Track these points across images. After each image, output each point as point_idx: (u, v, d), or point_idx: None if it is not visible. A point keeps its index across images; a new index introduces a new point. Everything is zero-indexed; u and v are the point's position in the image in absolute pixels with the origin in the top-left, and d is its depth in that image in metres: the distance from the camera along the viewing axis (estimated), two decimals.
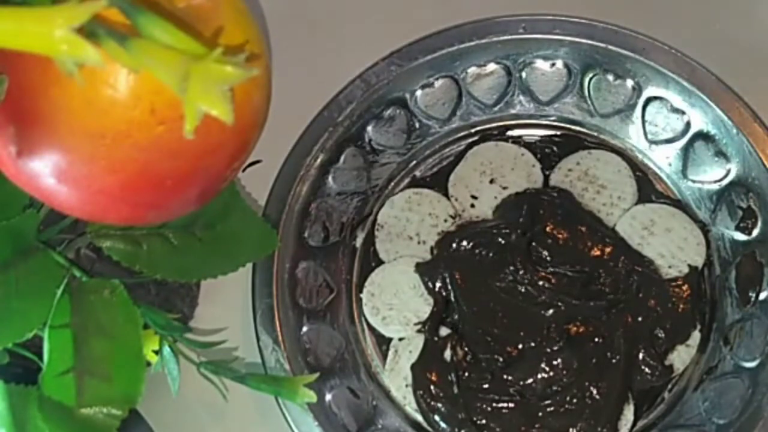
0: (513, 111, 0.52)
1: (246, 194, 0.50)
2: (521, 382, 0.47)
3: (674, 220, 0.49)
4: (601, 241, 0.48)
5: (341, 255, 0.50)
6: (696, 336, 0.48)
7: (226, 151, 0.30)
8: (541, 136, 0.52)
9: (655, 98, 0.50)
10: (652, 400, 0.48)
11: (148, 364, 0.39)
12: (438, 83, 0.51)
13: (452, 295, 0.49)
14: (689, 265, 0.49)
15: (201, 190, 0.31)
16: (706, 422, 0.46)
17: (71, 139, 0.27)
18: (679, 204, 0.50)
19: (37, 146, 0.28)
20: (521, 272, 0.48)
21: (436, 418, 0.47)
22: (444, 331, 0.49)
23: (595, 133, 0.52)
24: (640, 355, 0.47)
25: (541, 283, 0.47)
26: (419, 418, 0.48)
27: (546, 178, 0.51)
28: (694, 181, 0.50)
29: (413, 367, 0.48)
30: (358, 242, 0.51)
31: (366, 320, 0.49)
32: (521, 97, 0.52)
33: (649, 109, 0.51)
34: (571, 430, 0.46)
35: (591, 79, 0.51)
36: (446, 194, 0.51)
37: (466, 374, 0.47)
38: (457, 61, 0.51)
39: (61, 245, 0.37)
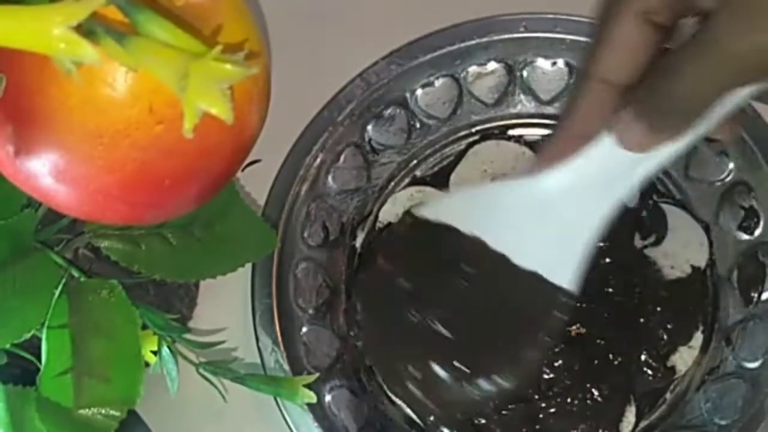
0: (514, 110, 0.52)
1: (246, 194, 0.50)
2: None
3: (677, 220, 0.49)
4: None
5: (341, 255, 0.50)
6: (698, 337, 0.48)
7: (225, 150, 0.30)
8: (543, 135, 0.52)
9: None
10: (653, 402, 0.47)
11: (147, 364, 0.39)
12: (438, 82, 0.51)
13: None
14: (692, 266, 0.48)
15: (200, 189, 0.31)
16: (708, 423, 0.46)
17: (69, 138, 0.27)
18: (682, 204, 0.50)
19: (35, 145, 0.28)
20: None
21: (435, 418, 0.47)
22: None
23: None
24: (642, 357, 0.47)
25: None
26: (418, 419, 0.48)
27: None
28: (696, 181, 0.50)
29: None
30: (358, 242, 0.51)
31: None
32: (522, 96, 0.52)
33: None
34: (572, 431, 0.46)
35: None
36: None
37: None
38: (458, 60, 0.51)
39: (59, 245, 0.37)
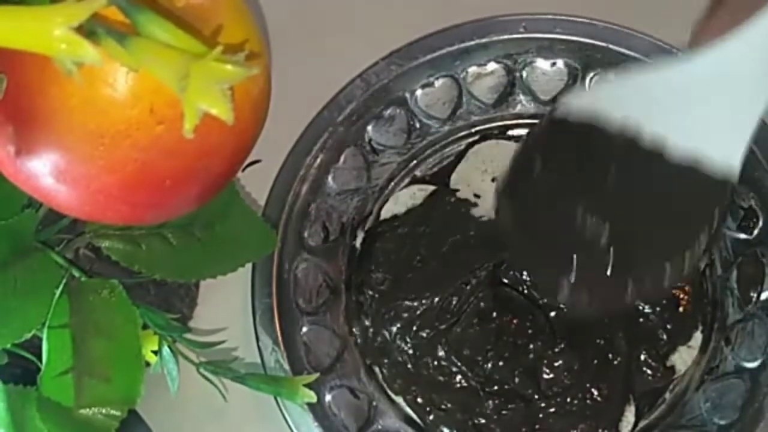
0: (514, 110, 0.52)
1: (246, 194, 0.50)
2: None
3: None
4: None
5: (341, 255, 0.50)
6: (698, 337, 0.48)
7: (226, 150, 0.30)
8: None
9: None
10: (653, 401, 0.47)
11: (147, 364, 0.39)
12: (438, 83, 0.51)
13: None
14: None
15: (200, 189, 0.31)
16: (707, 423, 0.46)
17: (70, 138, 0.27)
18: None
19: (36, 146, 0.28)
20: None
21: (435, 418, 0.47)
22: None
23: None
24: (642, 357, 0.47)
25: None
26: (418, 419, 0.48)
27: None
28: None
29: None
30: (358, 242, 0.51)
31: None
32: (522, 97, 0.52)
33: None
34: (572, 431, 0.46)
35: (592, 78, 0.51)
36: None
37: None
38: (458, 61, 0.51)
39: (59, 245, 0.37)
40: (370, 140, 0.51)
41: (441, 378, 0.47)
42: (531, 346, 0.46)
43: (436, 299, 0.48)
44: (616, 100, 0.35)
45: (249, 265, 0.47)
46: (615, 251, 0.36)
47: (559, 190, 0.37)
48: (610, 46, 0.50)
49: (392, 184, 0.52)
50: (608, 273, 0.36)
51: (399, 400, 0.48)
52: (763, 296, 0.47)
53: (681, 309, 0.48)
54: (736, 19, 0.31)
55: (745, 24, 0.31)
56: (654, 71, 0.35)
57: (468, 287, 0.48)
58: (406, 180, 0.52)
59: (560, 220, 0.36)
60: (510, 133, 0.52)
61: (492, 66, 0.51)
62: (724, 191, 0.34)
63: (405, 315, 0.48)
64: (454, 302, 0.48)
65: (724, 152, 0.33)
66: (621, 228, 0.36)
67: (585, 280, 0.36)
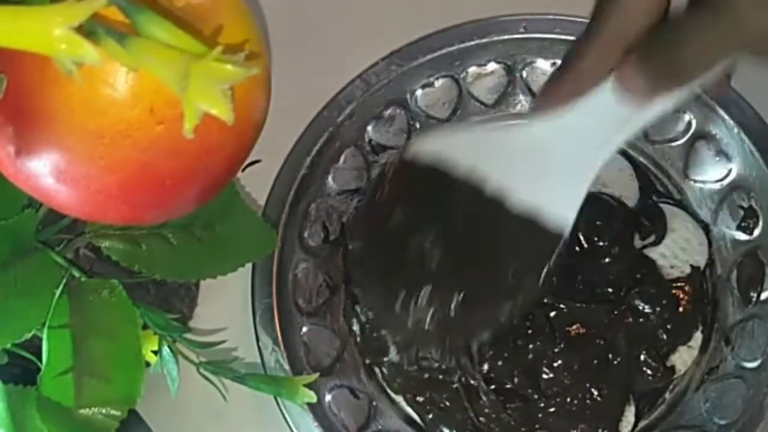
0: (513, 111, 0.52)
1: (246, 194, 0.50)
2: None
3: (676, 220, 0.49)
4: None
5: (341, 255, 0.50)
6: (698, 337, 0.48)
7: (226, 150, 0.30)
8: None
9: None
10: (653, 401, 0.47)
11: (147, 364, 0.39)
12: (438, 83, 0.51)
13: None
14: (691, 266, 0.48)
15: (200, 189, 0.31)
16: (707, 423, 0.46)
17: (70, 138, 0.27)
18: (681, 204, 0.50)
19: (36, 146, 0.28)
20: None
21: (435, 418, 0.47)
22: None
23: None
24: (642, 357, 0.47)
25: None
26: (418, 418, 0.48)
27: None
28: (695, 181, 0.50)
29: None
30: None
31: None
32: (522, 97, 0.52)
33: None
34: (571, 431, 0.46)
35: None
36: None
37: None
38: (458, 61, 0.51)
39: (59, 245, 0.37)
40: (370, 140, 0.51)
41: (441, 378, 0.47)
42: (531, 346, 0.46)
43: None
44: (464, 149, 0.37)
45: (249, 265, 0.47)
46: (453, 289, 0.38)
47: (405, 227, 0.38)
48: None
49: None
50: (447, 310, 0.38)
51: (399, 399, 0.48)
52: (763, 296, 0.47)
53: (681, 309, 0.48)
54: (579, 87, 0.34)
55: (583, 97, 0.34)
56: (499, 129, 0.37)
57: None
58: None
59: (403, 256, 0.38)
60: None
61: (492, 66, 0.51)
62: (555, 243, 0.36)
63: None
64: None
65: (559, 210, 0.36)
66: (461, 268, 0.38)
67: (423, 317, 0.38)
